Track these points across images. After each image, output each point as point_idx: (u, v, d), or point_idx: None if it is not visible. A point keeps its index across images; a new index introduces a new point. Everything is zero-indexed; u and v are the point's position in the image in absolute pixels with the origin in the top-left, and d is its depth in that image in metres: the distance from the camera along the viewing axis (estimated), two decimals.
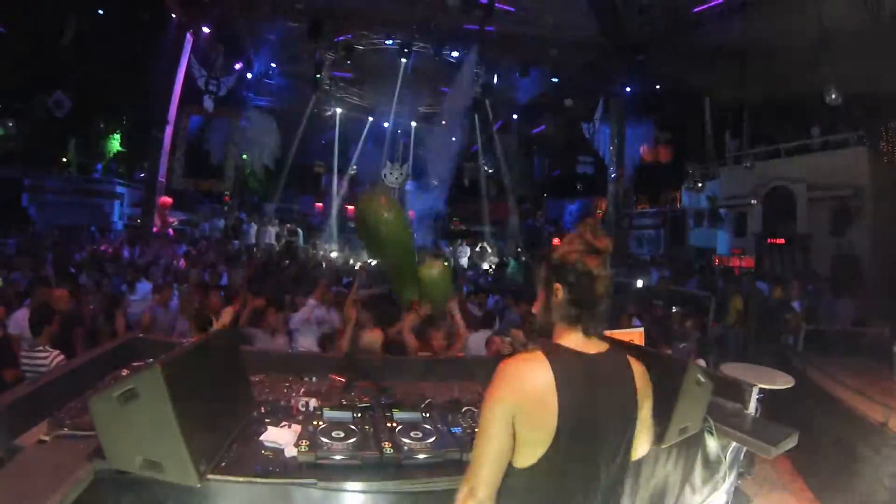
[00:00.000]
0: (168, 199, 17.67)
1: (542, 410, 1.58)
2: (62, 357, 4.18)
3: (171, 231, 17.07)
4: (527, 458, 1.60)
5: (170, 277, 9.28)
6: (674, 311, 8.46)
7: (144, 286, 8.19)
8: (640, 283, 13.17)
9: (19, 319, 5.38)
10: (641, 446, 1.85)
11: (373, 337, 5.14)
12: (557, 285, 1.71)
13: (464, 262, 19.55)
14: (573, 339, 1.71)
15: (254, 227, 19.93)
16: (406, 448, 2.42)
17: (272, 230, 20.26)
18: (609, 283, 1.70)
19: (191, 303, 6.58)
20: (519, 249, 21.60)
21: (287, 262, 12.43)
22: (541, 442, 1.58)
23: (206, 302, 6.40)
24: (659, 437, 2.73)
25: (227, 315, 5.85)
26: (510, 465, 1.60)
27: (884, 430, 4.17)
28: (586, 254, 1.69)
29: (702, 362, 5.43)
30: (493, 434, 1.58)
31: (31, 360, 4.24)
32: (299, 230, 21.98)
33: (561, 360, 1.64)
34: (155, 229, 16.40)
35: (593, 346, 1.71)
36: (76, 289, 7.27)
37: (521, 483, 1.62)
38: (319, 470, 2.27)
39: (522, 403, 1.58)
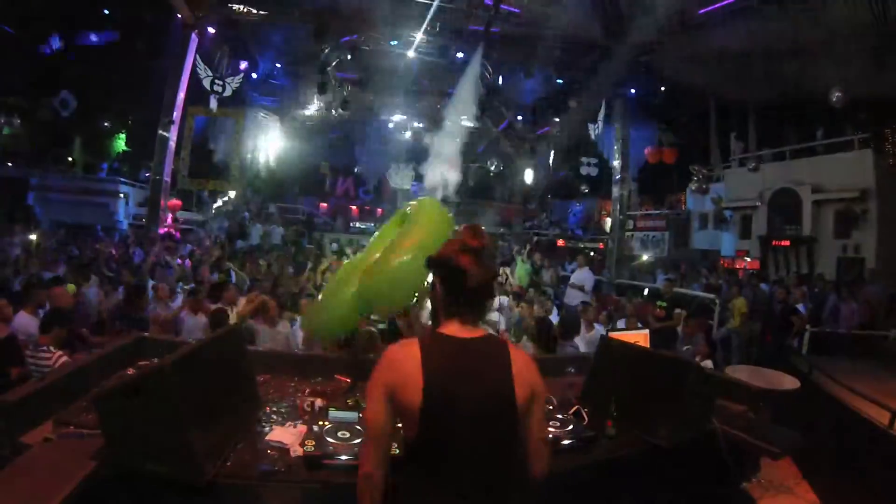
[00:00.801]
0: (178, 202, 17.72)
1: (411, 387, 1.74)
2: (66, 358, 4.19)
3: (178, 234, 17.07)
4: (410, 434, 1.79)
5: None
6: (676, 312, 8.44)
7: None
8: (646, 291, 13.10)
9: (22, 319, 5.40)
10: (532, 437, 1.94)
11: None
12: (436, 280, 1.94)
13: None
14: (451, 328, 1.89)
15: (258, 228, 19.96)
16: None
17: (278, 231, 20.29)
18: (483, 278, 1.87)
19: (199, 302, 6.56)
20: (526, 249, 21.56)
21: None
22: (413, 417, 1.75)
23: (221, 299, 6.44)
24: (664, 438, 2.73)
25: (244, 306, 5.87)
26: (406, 444, 1.82)
27: (889, 433, 4.16)
28: (460, 252, 1.88)
29: (709, 363, 5.43)
30: (372, 414, 1.80)
31: (36, 359, 4.25)
32: (305, 231, 22.02)
33: (432, 343, 1.85)
34: (162, 231, 16.41)
35: (468, 333, 1.88)
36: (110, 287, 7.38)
37: (409, 458, 1.83)
38: (325, 470, 2.27)
39: (395, 382, 1.77)
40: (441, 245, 1.98)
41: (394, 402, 1.77)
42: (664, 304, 9.21)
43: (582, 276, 12.02)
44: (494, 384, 1.83)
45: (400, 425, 1.87)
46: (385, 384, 1.78)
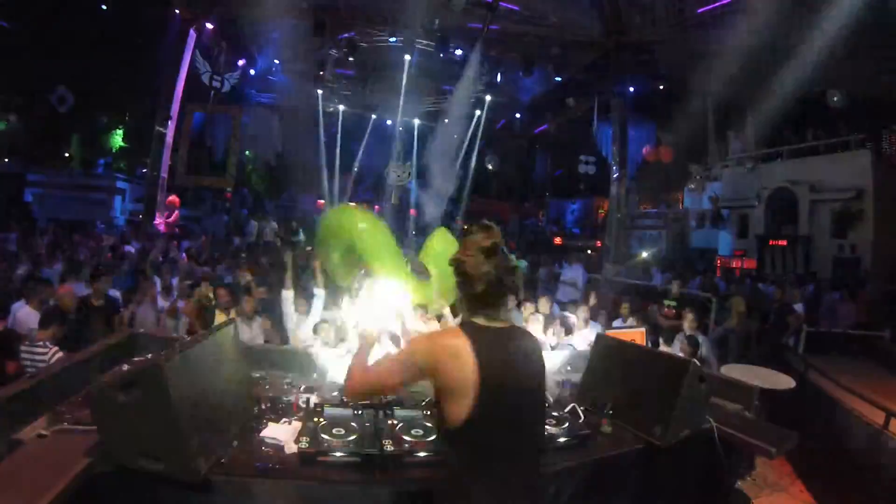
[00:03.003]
0: (176, 199, 17.64)
1: (459, 364, 1.83)
2: (62, 354, 4.18)
3: (175, 229, 16.99)
4: (459, 411, 1.82)
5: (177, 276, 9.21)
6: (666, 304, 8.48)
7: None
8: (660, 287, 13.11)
9: (24, 313, 5.39)
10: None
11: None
12: (458, 283, 2.00)
13: None
14: (480, 320, 1.96)
15: (254, 225, 19.90)
16: (406, 445, 2.43)
17: (273, 228, 20.22)
18: (493, 278, 1.92)
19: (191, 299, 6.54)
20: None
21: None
22: (464, 394, 1.81)
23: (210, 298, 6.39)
24: (659, 437, 2.73)
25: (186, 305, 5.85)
26: (448, 426, 1.85)
27: (884, 432, 4.17)
28: (477, 257, 1.94)
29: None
30: (397, 366, 1.98)
31: (31, 354, 4.24)
32: (300, 229, 21.94)
33: (473, 329, 1.92)
34: (163, 229, 16.34)
35: (496, 324, 1.98)
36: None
37: (458, 436, 1.85)
38: (320, 467, 2.27)
39: (438, 356, 1.87)
40: (458, 252, 2.03)
41: (436, 376, 1.87)
42: (674, 303, 9.21)
43: (573, 272, 12.27)
44: (530, 368, 1.98)
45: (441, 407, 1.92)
46: (424, 354, 1.92)
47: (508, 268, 1.95)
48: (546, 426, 2.77)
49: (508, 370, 1.88)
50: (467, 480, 1.85)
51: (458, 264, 1.97)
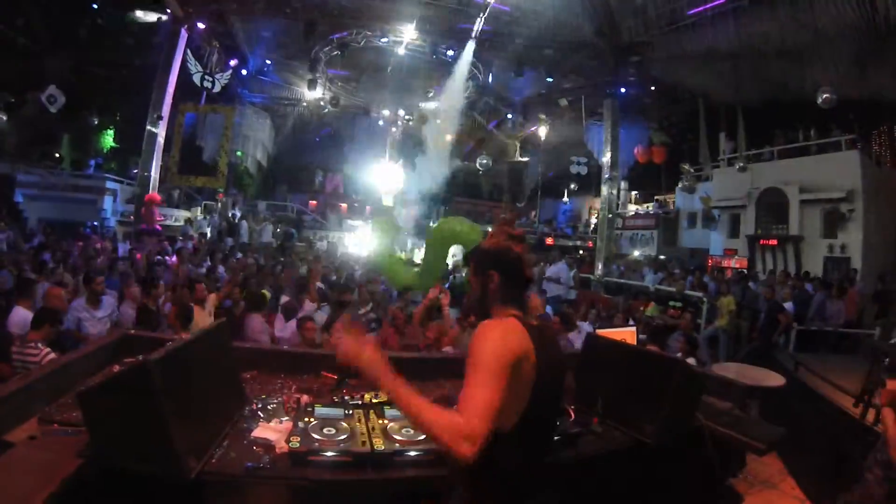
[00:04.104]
0: (157, 196, 17.46)
1: (530, 360, 1.73)
2: (53, 355, 4.15)
3: (158, 227, 16.85)
4: (512, 416, 1.71)
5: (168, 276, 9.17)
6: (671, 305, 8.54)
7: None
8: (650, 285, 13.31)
9: (19, 314, 5.36)
10: None
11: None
12: (492, 272, 1.91)
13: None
14: (516, 313, 1.88)
15: (245, 225, 19.84)
16: (397, 445, 2.43)
17: (269, 228, 20.17)
18: (532, 265, 1.91)
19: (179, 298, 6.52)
20: None
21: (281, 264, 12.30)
22: (523, 398, 1.72)
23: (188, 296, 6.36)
24: (650, 435, 2.75)
25: (211, 302, 5.86)
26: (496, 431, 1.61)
27: (872, 429, 4.20)
28: (512, 241, 1.93)
29: (692, 360, 5.46)
30: (497, 387, 1.62)
31: (23, 355, 4.21)
32: (293, 231, 21.93)
33: (527, 325, 1.81)
34: (143, 226, 16.22)
35: (531, 319, 1.90)
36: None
37: (508, 434, 1.71)
38: (310, 467, 2.27)
39: (521, 352, 1.71)
40: (485, 239, 2.01)
41: (515, 374, 1.68)
42: (678, 303, 9.27)
43: (557, 269, 12.79)
44: (562, 364, 1.97)
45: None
46: (515, 355, 1.69)
47: (534, 261, 1.97)
48: None
49: (557, 372, 1.88)
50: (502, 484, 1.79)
51: (502, 252, 1.92)
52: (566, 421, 2.93)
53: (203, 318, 5.92)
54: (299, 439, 2.35)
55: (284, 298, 7.67)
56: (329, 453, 2.31)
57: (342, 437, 2.43)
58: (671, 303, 9.50)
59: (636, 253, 23.60)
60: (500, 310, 1.89)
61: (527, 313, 1.93)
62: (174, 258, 11.64)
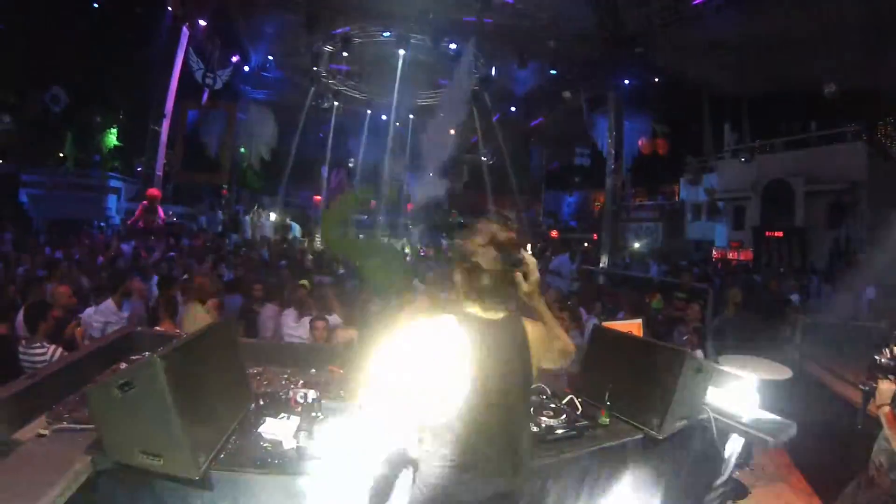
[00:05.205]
0: (157, 192, 17.38)
1: (460, 363, 1.78)
2: (61, 351, 4.15)
3: (160, 221, 16.79)
4: (450, 406, 1.79)
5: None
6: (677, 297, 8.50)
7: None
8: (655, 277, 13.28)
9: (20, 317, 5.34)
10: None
11: (347, 335, 5.15)
12: (457, 270, 1.93)
13: None
14: (475, 309, 1.91)
15: (248, 221, 19.86)
16: None
17: (268, 223, 20.18)
18: (499, 275, 1.86)
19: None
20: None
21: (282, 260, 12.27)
22: (459, 390, 1.78)
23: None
24: (657, 427, 2.74)
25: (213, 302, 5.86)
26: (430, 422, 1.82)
27: (879, 422, 4.17)
28: (483, 247, 1.86)
29: (699, 353, 5.45)
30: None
31: (29, 356, 4.20)
32: (294, 224, 21.89)
33: (462, 320, 1.87)
34: (140, 224, 16.13)
35: (491, 315, 1.91)
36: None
37: (437, 433, 1.83)
38: (317, 461, 2.27)
39: (432, 353, 1.80)
40: (465, 238, 1.95)
41: (429, 372, 1.80)
42: (685, 295, 9.22)
43: (558, 262, 12.71)
44: (513, 364, 1.90)
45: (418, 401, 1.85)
46: (421, 353, 1.82)
47: (516, 263, 1.87)
48: (544, 418, 2.78)
49: (486, 366, 1.82)
50: (442, 478, 1.81)
51: (465, 255, 1.89)
52: (573, 413, 2.94)
53: (204, 316, 5.90)
54: (306, 434, 2.35)
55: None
56: (336, 449, 2.31)
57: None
58: (677, 294, 9.45)
59: (636, 245, 23.56)
60: (467, 303, 1.93)
61: (490, 309, 1.91)
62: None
